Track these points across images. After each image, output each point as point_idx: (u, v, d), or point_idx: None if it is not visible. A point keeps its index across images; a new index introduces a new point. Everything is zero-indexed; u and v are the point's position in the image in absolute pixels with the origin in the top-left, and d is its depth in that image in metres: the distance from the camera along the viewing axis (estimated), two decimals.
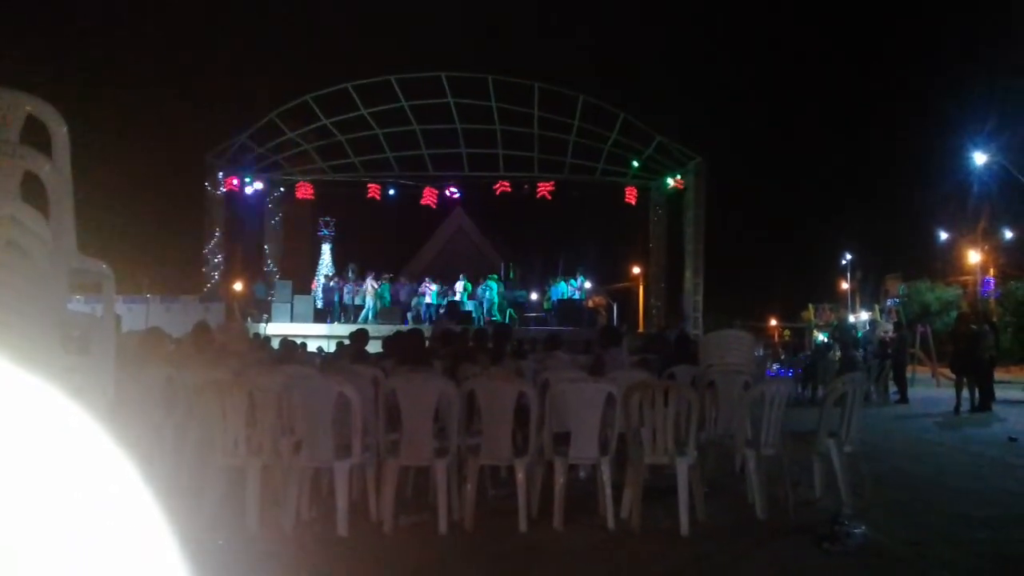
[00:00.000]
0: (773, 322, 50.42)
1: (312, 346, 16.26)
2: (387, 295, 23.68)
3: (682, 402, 5.49)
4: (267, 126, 24.01)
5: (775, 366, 21.35)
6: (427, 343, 9.37)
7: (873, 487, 6.18)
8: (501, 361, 7.64)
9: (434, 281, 24.17)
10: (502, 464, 5.98)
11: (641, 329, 27.19)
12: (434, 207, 26.43)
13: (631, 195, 25.47)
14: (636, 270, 39.70)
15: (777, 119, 78.99)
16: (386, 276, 24.23)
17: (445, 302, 23.81)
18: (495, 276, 24.95)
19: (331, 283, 25.35)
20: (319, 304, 24.43)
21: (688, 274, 24.36)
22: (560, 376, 6.31)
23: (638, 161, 24.94)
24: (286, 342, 11.02)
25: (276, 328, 20.97)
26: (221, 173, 24.45)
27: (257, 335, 17.81)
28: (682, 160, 24.39)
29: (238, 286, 27.70)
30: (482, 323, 22.81)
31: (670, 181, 24.93)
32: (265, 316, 22.59)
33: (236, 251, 27.12)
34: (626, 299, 36.70)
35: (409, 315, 23.48)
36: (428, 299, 23.62)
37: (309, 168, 26.04)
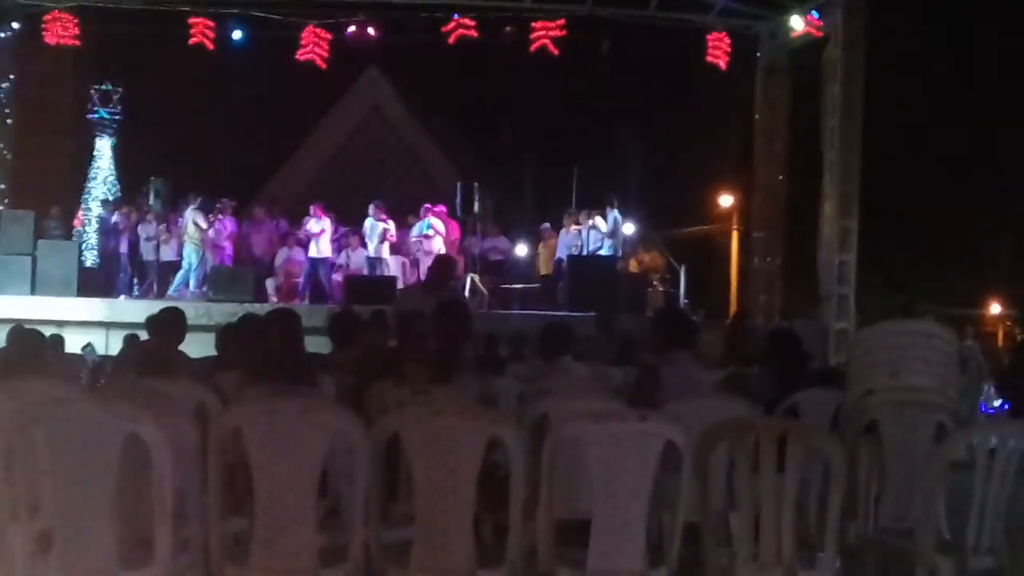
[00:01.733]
0: (995, 308, 50.70)
1: (75, 341, 16.17)
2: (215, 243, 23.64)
3: (813, 464, 5.52)
4: None
5: (993, 392, 21.45)
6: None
7: None
8: (453, 376, 7.64)
9: (326, 212, 24.09)
10: None
11: (732, 318, 27.28)
12: (323, 67, 26.22)
13: (718, 50, 25.39)
14: (726, 201, 39.63)
15: None
16: (223, 204, 24.12)
17: (363, 256, 23.82)
18: (443, 209, 24.91)
19: (113, 217, 25.15)
20: (89, 259, 24.31)
21: (828, 211, 24.38)
22: (572, 409, 6.31)
23: None
24: (22, 333, 10.96)
25: (2, 304, 20.84)
26: None
27: None
28: None
29: None
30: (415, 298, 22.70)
31: (796, 22, 24.89)
32: None
33: None
34: (706, 258, 36.65)
35: (271, 283, 23.45)
36: (313, 248, 23.56)
37: None
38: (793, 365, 8.96)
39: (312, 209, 24.36)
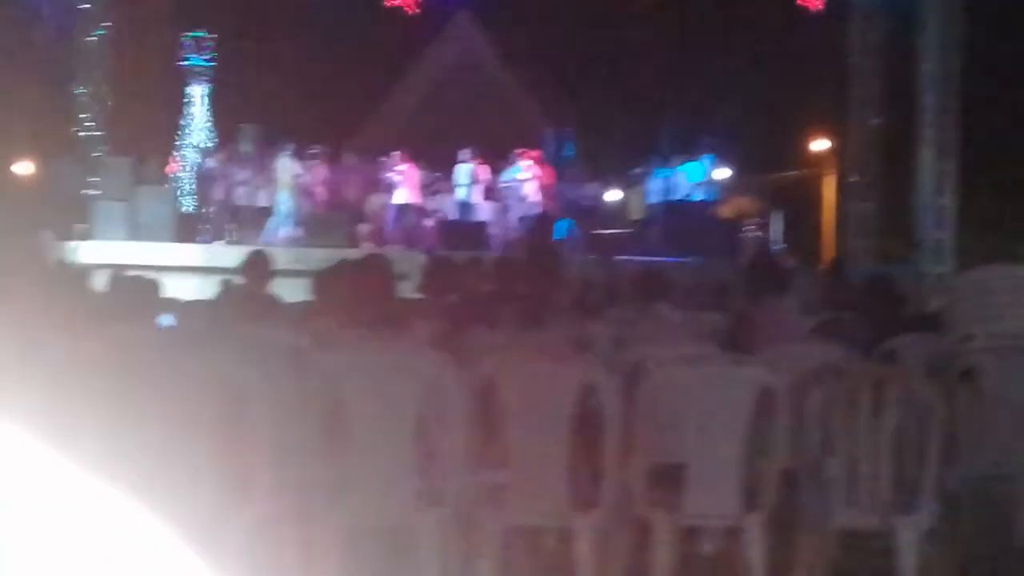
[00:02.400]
0: None
1: (172, 286, 16.35)
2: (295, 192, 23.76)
3: (910, 409, 5.48)
4: None
5: None
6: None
7: None
8: (546, 321, 7.65)
9: (409, 161, 24.09)
10: (549, 525, 6.04)
11: (829, 263, 27.03)
12: (411, 10, 26.22)
13: None
14: (820, 145, 39.19)
15: None
16: (316, 150, 24.23)
17: (455, 202, 23.86)
18: (536, 154, 24.85)
19: (208, 162, 25.36)
20: (184, 205, 24.49)
21: (926, 155, 24.06)
22: (666, 354, 6.31)
23: None
24: (121, 279, 11.08)
25: (100, 250, 21.07)
26: None
27: (63, 263, 17.95)
28: None
29: (23, 166, 27.79)
30: (506, 245, 22.74)
31: None
32: (79, 226, 22.71)
33: (19, 95, 27.16)
34: (801, 202, 36.29)
35: (363, 228, 23.53)
36: (400, 195, 23.63)
37: None
38: (889, 310, 8.90)
39: (395, 156, 24.41)
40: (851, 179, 27.08)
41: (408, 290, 9.58)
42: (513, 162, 24.34)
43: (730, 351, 6.74)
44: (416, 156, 24.54)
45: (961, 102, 23.98)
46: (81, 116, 26.74)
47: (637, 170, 25.74)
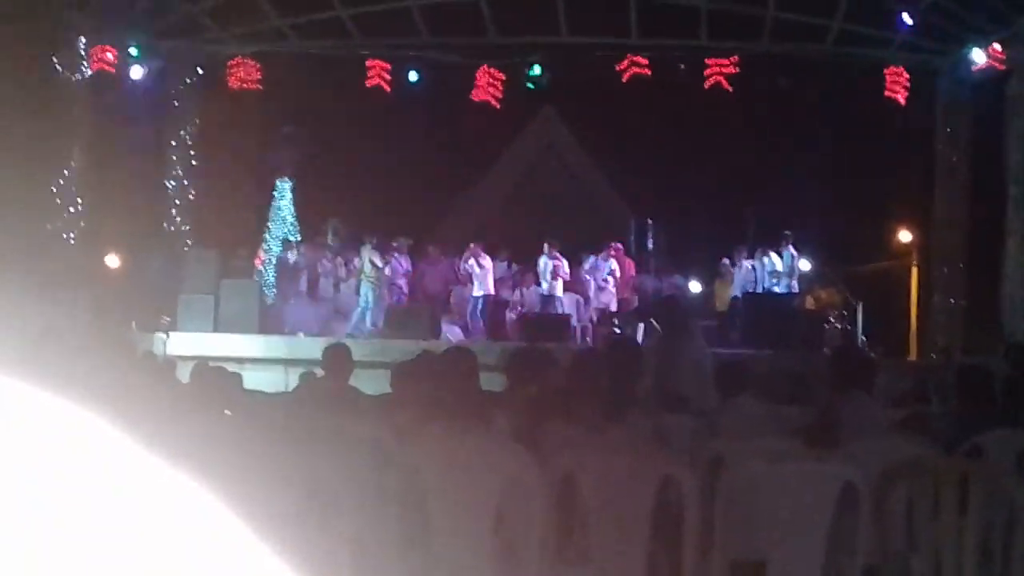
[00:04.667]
0: None
1: (255, 378, 16.42)
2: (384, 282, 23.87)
3: (998, 505, 5.38)
4: None
5: None
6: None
7: None
8: (626, 415, 7.60)
9: (489, 253, 24.09)
10: None
11: (914, 355, 26.72)
12: (497, 107, 26.42)
13: (896, 84, 25.01)
14: (905, 237, 38.90)
15: None
16: (399, 242, 24.39)
17: (537, 294, 23.88)
18: (619, 246, 24.88)
19: (292, 256, 25.60)
20: (269, 297, 24.66)
21: (1012, 246, 23.78)
22: (748, 449, 6.25)
23: (911, 16, 24.47)
24: (205, 369, 11.15)
25: (186, 342, 21.27)
26: (84, 40, 24.83)
27: (151, 355, 18.10)
28: (1002, 14, 23.82)
29: (113, 259, 28.16)
30: (588, 337, 22.74)
31: (977, 55, 24.40)
32: (165, 319, 22.95)
33: (111, 189, 27.57)
34: (886, 294, 35.93)
35: (445, 321, 23.57)
36: (481, 287, 23.74)
37: (253, 32, 26.27)
38: (978, 404, 8.75)
39: (476, 248, 24.47)
40: (937, 270, 26.81)
41: (490, 383, 9.56)
42: (596, 254, 24.39)
43: (813, 445, 6.67)
44: (498, 248, 24.65)
45: None
46: (170, 210, 27.17)
47: (722, 261, 25.70)
